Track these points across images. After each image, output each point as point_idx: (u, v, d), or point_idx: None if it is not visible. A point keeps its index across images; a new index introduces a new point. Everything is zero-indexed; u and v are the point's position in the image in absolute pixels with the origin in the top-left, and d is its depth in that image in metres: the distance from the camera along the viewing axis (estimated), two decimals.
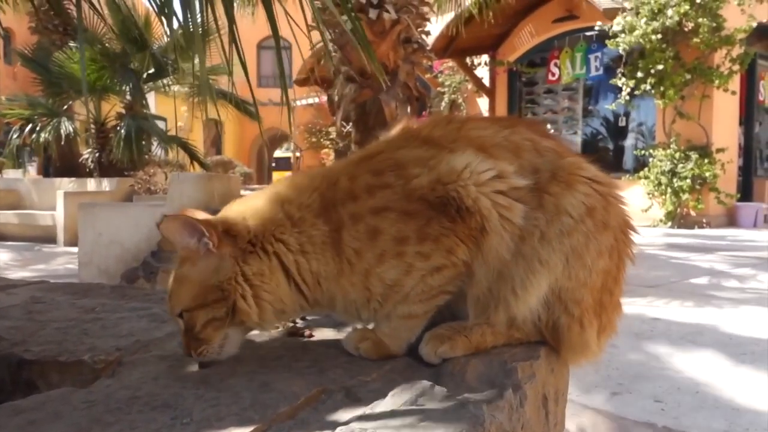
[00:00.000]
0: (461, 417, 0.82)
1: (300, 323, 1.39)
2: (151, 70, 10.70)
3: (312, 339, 1.30)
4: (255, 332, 1.34)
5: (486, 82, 13.87)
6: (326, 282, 1.15)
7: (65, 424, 0.86)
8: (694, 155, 10.47)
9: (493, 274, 1.13)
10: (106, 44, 9.97)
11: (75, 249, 7.07)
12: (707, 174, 10.30)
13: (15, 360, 1.16)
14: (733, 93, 10.39)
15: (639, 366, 3.17)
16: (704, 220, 10.70)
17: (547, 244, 1.11)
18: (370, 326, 1.23)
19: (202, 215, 1.17)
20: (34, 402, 0.96)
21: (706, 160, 10.41)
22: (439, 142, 1.18)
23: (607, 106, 11.89)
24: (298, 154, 17.77)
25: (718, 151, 10.52)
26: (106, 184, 9.41)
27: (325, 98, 11.92)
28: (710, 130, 10.76)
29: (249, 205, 1.20)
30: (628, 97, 10.79)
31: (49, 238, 8.82)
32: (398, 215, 1.12)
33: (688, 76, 10.26)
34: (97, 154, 10.66)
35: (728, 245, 8.31)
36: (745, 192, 12.04)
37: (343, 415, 0.91)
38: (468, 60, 13.61)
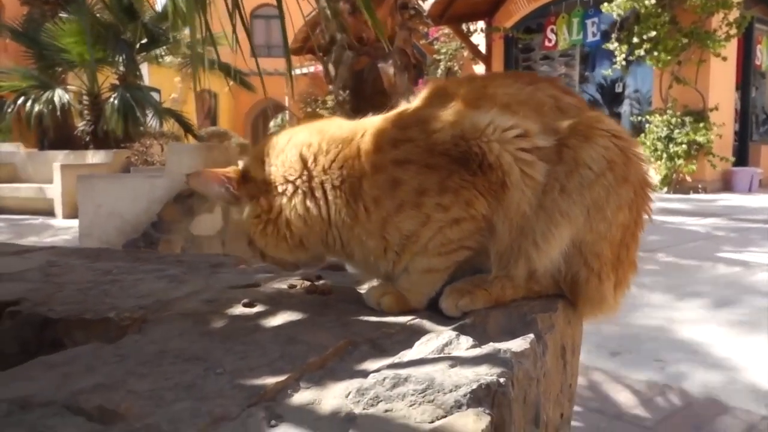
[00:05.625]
0: (491, 363, 0.84)
1: (319, 282, 1.40)
2: (144, 41, 10.56)
3: (330, 296, 1.31)
4: (274, 291, 1.37)
5: (482, 49, 13.76)
6: (339, 230, 1.19)
7: (100, 376, 0.88)
8: (689, 120, 10.46)
9: (515, 230, 1.14)
10: (98, 15, 9.81)
11: (73, 222, 7.06)
12: (702, 139, 10.31)
13: (39, 320, 1.17)
14: (724, 59, 10.32)
15: None
16: (699, 186, 10.75)
17: (568, 197, 1.12)
18: None
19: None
20: (65, 357, 0.97)
21: (701, 125, 10.40)
22: (464, 99, 1.18)
23: (604, 72, 11.83)
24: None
25: (711, 110, 10.50)
26: (103, 156, 9.36)
27: (320, 67, 11.82)
28: (707, 95, 10.74)
29: (272, 148, 1.25)
30: (624, 63, 10.73)
31: (46, 211, 8.80)
32: (420, 168, 1.14)
33: (685, 41, 10.20)
34: (92, 126, 10.57)
35: (723, 210, 8.36)
36: (741, 157, 12.07)
37: (370, 364, 0.93)
38: (464, 27, 13.49)
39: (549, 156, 1.14)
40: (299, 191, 1.18)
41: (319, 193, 1.18)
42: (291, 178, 1.19)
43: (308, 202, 1.18)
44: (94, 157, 9.52)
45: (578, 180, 1.12)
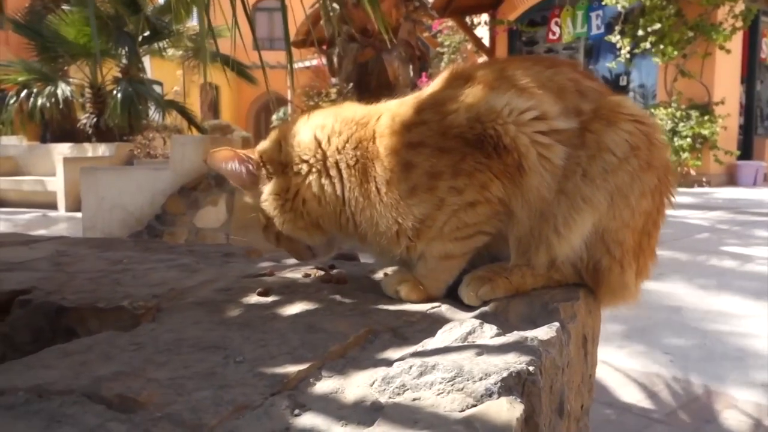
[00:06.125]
0: (518, 351, 0.82)
1: (334, 271, 1.38)
2: (147, 33, 10.51)
3: (346, 285, 1.29)
4: (289, 280, 1.35)
5: (486, 41, 13.69)
6: (352, 210, 1.19)
7: (117, 363, 0.86)
8: (694, 114, 10.40)
9: (535, 215, 1.12)
10: (100, 7, 9.77)
11: (76, 215, 7.04)
12: (707, 132, 10.25)
13: (53, 308, 1.15)
14: (728, 51, 10.25)
15: None
16: (704, 179, 10.70)
17: (590, 182, 1.09)
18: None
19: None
20: (81, 345, 0.95)
21: (706, 119, 10.34)
22: (481, 81, 1.16)
23: (608, 65, 11.76)
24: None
25: (716, 104, 10.44)
26: (105, 149, 9.33)
27: (323, 60, 11.73)
28: (712, 88, 10.67)
29: (288, 131, 1.27)
30: (628, 56, 10.67)
31: (48, 204, 8.78)
32: (433, 150, 1.12)
33: (690, 34, 10.13)
34: (94, 119, 10.53)
35: (728, 204, 8.32)
36: (746, 151, 12.01)
37: (393, 353, 0.91)
38: (467, 19, 13.41)
39: (569, 139, 1.12)
40: (314, 170, 1.19)
41: (333, 172, 1.18)
42: (305, 158, 1.20)
43: (323, 180, 1.19)
44: (96, 150, 9.48)
45: (601, 165, 1.09)
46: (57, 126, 11.12)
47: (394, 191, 1.13)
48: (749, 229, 6.18)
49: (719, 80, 10.86)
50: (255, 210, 1.27)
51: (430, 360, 0.78)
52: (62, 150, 9.44)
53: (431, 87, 1.25)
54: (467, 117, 1.12)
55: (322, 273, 1.36)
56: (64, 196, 8.57)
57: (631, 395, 2.46)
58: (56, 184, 8.72)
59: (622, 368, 2.68)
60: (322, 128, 1.22)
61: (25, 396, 0.76)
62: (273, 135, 1.30)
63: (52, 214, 8.33)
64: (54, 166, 8.82)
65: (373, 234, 1.19)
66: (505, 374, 0.74)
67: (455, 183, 1.11)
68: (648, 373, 2.63)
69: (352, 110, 1.26)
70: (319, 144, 1.21)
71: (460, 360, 0.79)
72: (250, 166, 1.24)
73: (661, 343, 2.97)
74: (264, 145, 1.28)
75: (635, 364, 2.72)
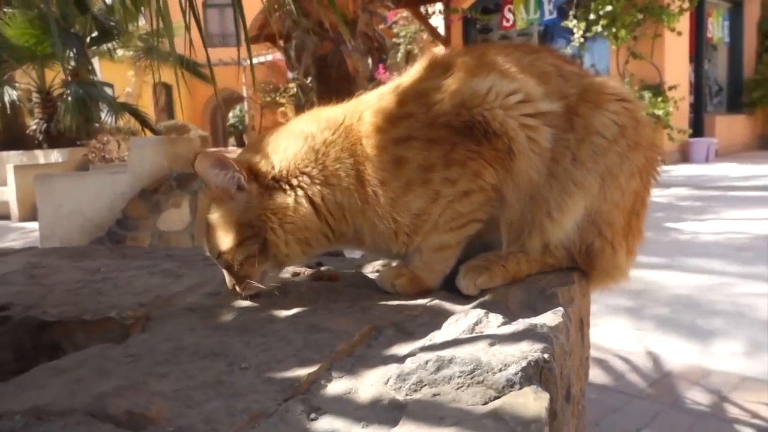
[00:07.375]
0: (530, 339, 0.81)
1: (323, 268, 1.36)
2: (95, 34, 10.19)
3: (337, 282, 1.27)
4: (278, 280, 1.31)
5: (441, 30, 13.71)
6: (351, 216, 1.15)
7: (116, 378, 0.82)
8: (647, 95, 10.61)
9: (525, 198, 1.12)
10: (44, 7, 9.42)
11: (31, 224, 6.80)
12: (661, 113, 10.48)
13: (34, 323, 1.10)
14: (679, 34, 10.49)
15: None
16: (658, 158, 10.92)
17: (581, 166, 1.10)
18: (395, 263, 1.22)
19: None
20: (73, 361, 0.91)
21: (659, 99, 10.57)
22: (462, 67, 1.15)
23: (562, 50, 11.90)
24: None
25: (670, 88, 10.69)
26: (58, 155, 9.03)
27: (277, 55, 11.55)
28: (662, 68, 10.91)
29: (273, 143, 1.19)
30: (582, 40, 10.82)
31: (0, 214, 8.48)
32: (423, 143, 1.10)
33: (640, 16, 10.32)
34: (44, 125, 10.17)
35: (685, 180, 8.54)
36: (697, 128, 12.33)
37: (400, 349, 0.89)
38: (422, 9, 13.39)
39: (554, 122, 1.12)
40: (315, 181, 1.13)
41: (333, 181, 1.13)
42: (306, 170, 1.14)
43: (324, 191, 1.13)
44: (48, 156, 9.17)
45: (591, 148, 1.10)
46: (5, 133, 10.70)
47: (389, 191, 1.10)
48: (708, 204, 6.36)
49: (669, 61, 11.11)
50: (222, 227, 1.14)
51: (446, 353, 0.77)
52: (12, 158, 9.12)
53: (409, 77, 1.21)
54: (452, 104, 1.11)
55: (312, 271, 1.33)
56: (17, 206, 8.29)
57: (608, 373, 2.51)
58: (8, 194, 8.42)
59: (595, 347, 2.72)
60: (312, 137, 1.16)
61: (23, 420, 0.72)
62: (255, 147, 1.21)
63: (5, 224, 8.05)
64: (4, 175, 8.52)
65: (371, 235, 1.16)
66: (524, 363, 0.73)
67: (448, 174, 1.09)
68: (621, 351, 2.68)
69: (333, 113, 1.20)
70: (316, 154, 1.14)
71: (475, 352, 0.78)
72: (242, 178, 1.12)
73: (632, 320, 3.03)
74: (250, 157, 1.18)
75: (608, 342, 2.77)
